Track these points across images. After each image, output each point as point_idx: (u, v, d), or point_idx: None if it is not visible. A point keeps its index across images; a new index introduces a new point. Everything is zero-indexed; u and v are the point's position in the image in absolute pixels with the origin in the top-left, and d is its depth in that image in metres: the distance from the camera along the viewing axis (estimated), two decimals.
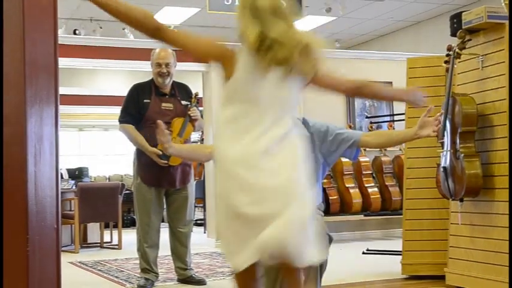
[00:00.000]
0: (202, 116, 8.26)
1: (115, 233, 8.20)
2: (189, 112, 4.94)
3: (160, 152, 4.72)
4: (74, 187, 8.22)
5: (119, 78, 13.16)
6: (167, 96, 4.97)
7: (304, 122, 3.58)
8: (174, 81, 5.10)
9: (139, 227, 4.98)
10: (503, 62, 4.16)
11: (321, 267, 3.32)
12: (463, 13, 4.43)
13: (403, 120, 5.52)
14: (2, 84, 2.20)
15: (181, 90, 5.08)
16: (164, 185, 4.97)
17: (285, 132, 2.44)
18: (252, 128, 2.42)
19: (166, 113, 4.87)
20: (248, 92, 2.44)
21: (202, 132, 9.29)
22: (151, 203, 4.91)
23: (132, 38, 10.13)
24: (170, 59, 4.99)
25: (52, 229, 2.28)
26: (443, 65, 4.61)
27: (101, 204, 7.67)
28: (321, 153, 3.52)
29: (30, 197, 2.21)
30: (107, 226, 8.49)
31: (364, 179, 7.82)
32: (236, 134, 2.44)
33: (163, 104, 4.92)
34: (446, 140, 4.33)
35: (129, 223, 10.56)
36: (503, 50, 4.19)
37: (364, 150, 7.92)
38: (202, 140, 9.75)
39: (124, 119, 4.92)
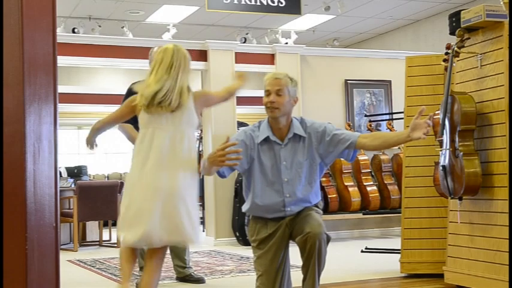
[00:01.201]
0: (201, 114, 8.28)
1: (114, 231, 8.20)
2: None
3: None
4: (72, 185, 8.22)
5: (117, 77, 13.17)
6: None
7: (302, 122, 3.58)
8: None
9: None
10: (502, 60, 4.16)
11: (319, 265, 3.32)
12: (462, 11, 4.43)
13: (401, 118, 5.52)
14: (1, 82, 2.20)
15: None
16: None
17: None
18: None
19: None
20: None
21: (201, 130, 9.29)
22: None
23: (130, 37, 10.13)
24: None
25: (51, 227, 2.28)
26: (442, 63, 4.62)
27: (99, 202, 7.67)
28: (318, 154, 3.52)
29: (29, 196, 2.21)
30: (105, 224, 8.50)
31: (363, 177, 7.82)
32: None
33: None
34: (445, 138, 4.33)
35: None
36: (501, 48, 4.19)
37: None
38: (201, 138, 9.74)
39: None
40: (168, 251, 5.13)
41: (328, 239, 3.37)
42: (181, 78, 3.37)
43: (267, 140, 3.53)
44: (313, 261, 3.30)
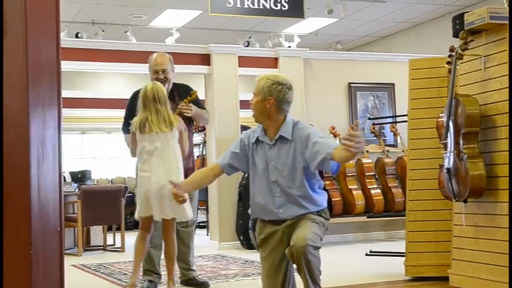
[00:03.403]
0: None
1: (118, 235, 8.20)
2: (179, 106, 4.83)
3: None
4: (76, 190, 8.22)
5: (121, 81, 13.18)
6: None
7: (294, 125, 3.56)
8: (175, 84, 5.08)
9: None
10: (506, 62, 4.16)
11: (311, 275, 3.29)
12: (465, 14, 4.43)
13: (405, 121, 5.52)
14: (1, 87, 2.20)
15: (181, 92, 5.05)
16: None
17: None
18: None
19: None
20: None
21: (205, 134, 9.29)
22: None
23: (134, 41, 10.14)
24: (167, 65, 4.97)
25: (55, 232, 2.27)
26: (446, 66, 4.61)
27: (103, 207, 7.67)
28: (303, 158, 3.49)
29: (33, 200, 2.21)
30: (109, 229, 8.49)
31: (367, 180, 7.80)
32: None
33: None
34: (450, 141, 4.32)
35: (132, 226, 10.56)
36: (505, 50, 4.18)
37: (367, 151, 7.93)
38: (204, 143, 9.74)
39: (125, 128, 4.93)
40: None
41: (316, 248, 3.33)
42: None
43: (258, 140, 3.58)
44: (303, 273, 3.31)
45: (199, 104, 5.09)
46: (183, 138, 4.63)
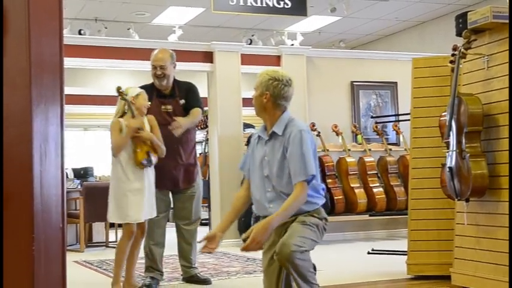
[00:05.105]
0: (207, 117, 8.26)
1: (120, 232, 8.20)
2: (169, 128, 4.74)
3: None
4: (79, 186, 8.23)
5: (123, 78, 13.17)
6: (167, 98, 4.95)
7: (289, 121, 3.55)
8: (176, 81, 5.08)
9: None
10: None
11: (302, 277, 3.28)
12: (469, 13, 4.42)
13: (408, 120, 5.51)
14: (2, 84, 2.21)
15: (181, 89, 5.05)
16: (169, 187, 5.00)
17: None
18: None
19: (165, 115, 4.87)
20: None
21: (207, 132, 9.28)
22: (157, 202, 4.90)
23: (137, 38, 10.15)
24: (166, 61, 4.96)
25: (57, 228, 2.28)
26: (449, 65, 4.61)
27: (106, 203, 7.65)
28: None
29: (35, 197, 2.21)
30: (112, 225, 8.50)
31: (369, 179, 7.81)
32: None
33: (163, 106, 4.91)
34: (452, 140, 4.32)
35: None
36: (508, 49, 4.18)
37: (369, 150, 7.92)
38: (207, 140, 9.74)
39: None
40: (175, 252, 5.15)
41: (303, 252, 3.31)
42: None
43: (259, 136, 3.63)
44: (293, 276, 3.31)
45: (195, 97, 5.05)
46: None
